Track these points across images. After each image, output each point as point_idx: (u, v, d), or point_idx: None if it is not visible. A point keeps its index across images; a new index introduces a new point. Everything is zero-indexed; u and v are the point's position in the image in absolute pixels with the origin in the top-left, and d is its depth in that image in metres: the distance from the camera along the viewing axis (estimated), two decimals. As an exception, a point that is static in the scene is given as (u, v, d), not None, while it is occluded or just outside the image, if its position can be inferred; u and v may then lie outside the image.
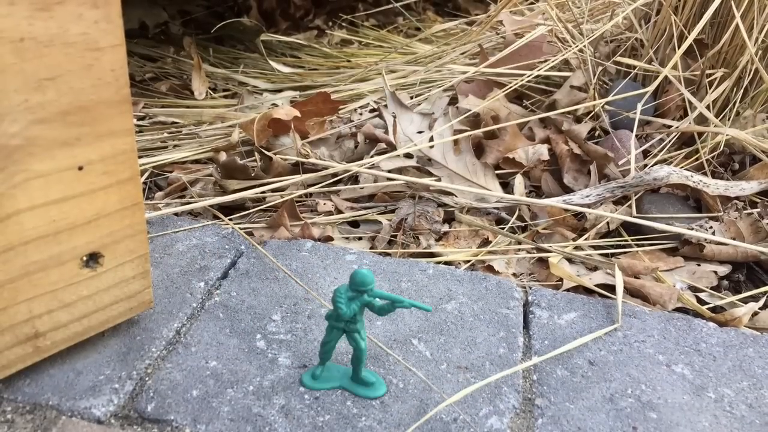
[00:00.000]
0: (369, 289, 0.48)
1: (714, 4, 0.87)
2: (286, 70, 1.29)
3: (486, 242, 0.76)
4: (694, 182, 0.80)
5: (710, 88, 0.91)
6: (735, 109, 0.91)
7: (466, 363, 0.55)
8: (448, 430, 0.48)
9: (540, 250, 0.74)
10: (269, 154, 0.86)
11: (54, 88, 0.42)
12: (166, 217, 0.74)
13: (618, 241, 0.77)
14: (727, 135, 0.86)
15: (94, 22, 0.42)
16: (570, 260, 0.73)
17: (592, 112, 0.93)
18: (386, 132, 0.89)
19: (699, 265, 0.73)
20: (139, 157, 0.90)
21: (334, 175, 0.85)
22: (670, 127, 0.91)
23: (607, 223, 0.78)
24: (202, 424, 0.48)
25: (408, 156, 0.86)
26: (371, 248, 0.75)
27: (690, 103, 0.89)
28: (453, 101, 1.01)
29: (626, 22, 1.06)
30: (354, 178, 0.87)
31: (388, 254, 0.73)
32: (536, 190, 0.88)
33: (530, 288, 0.66)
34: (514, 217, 0.80)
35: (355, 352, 0.50)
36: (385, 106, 0.93)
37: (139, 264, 0.53)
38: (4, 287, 0.45)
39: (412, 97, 1.07)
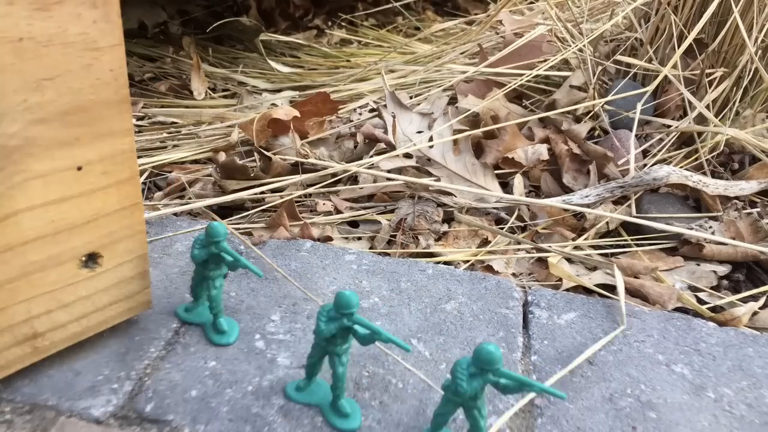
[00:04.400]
0: (349, 313, 0.45)
1: (713, 4, 0.87)
2: (285, 69, 1.29)
3: (485, 242, 0.76)
4: (693, 182, 0.80)
5: (710, 88, 0.91)
6: (735, 109, 0.91)
7: (466, 363, 0.55)
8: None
9: (539, 250, 0.74)
10: (268, 154, 0.86)
11: (53, 88, 0.42)
12: (165, 218, 0.74)
13: (617, 241, 0.77)
14: (726, 135, 0.86)
15: (92, 21, 0.42)
16: (569, 260, 0.73)
17: (592, 112, 0.93)
18: (386, 132, 0.89)
19: (699, 264, 0.73)
20: (139, 157, 0.90)
21: (334, 175, 0.85)
22: (669, 126, 0.91)
23: (607, 223, 0.78)
24: (201, 424, 0.48)
25: (407, 156, 0.86)
26: (371, 248, 0.75)
27: (690, 102, 0.89)
28: (452, 101, 1.01)
29: (626, 21, 1.06)
30: (353, 178, 0.87)
31: (388, 254, 0.73)
32: (536, 190, 0.88)
33: (530, 288, 0.66)
34: (514, 217, 0.80)
35: (332, 376, 0.48)
36: (385, 106, 0.92)
37: (138, 264, 0.53)
38: (2, 287, 0.45)
39: (411, 97, 1.07)
